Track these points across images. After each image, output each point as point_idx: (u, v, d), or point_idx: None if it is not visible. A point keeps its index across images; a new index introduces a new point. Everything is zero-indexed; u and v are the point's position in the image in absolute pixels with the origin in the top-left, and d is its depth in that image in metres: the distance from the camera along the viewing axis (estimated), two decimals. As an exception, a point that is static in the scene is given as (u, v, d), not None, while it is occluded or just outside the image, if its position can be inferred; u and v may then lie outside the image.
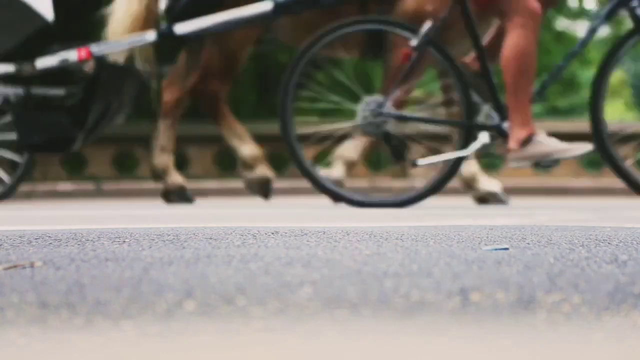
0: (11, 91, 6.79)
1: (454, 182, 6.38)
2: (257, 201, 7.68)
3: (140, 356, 1.44)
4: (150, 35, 6.60)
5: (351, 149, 7.07)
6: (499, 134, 5.81)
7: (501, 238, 2.74)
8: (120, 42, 6.72)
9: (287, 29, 6.93)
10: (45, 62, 6.60)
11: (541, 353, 1.46)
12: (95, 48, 6.55)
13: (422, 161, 5.85)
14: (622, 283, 1.92)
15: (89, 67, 6.57)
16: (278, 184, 11.67)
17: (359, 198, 6.09)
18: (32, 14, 6.67)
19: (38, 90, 6.96)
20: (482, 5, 5.86)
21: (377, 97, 5.93)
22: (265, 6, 6.40)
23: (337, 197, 6.14)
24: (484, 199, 7.08)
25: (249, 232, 2.88)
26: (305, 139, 6.58)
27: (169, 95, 7.12)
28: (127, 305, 1.75)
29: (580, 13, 19.77)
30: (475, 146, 5.77)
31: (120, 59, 6.84)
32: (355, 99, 6.02)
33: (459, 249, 2.46)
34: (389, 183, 12.62)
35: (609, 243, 2.60)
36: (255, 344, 1.51)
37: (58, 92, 6.97)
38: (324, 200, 6.56)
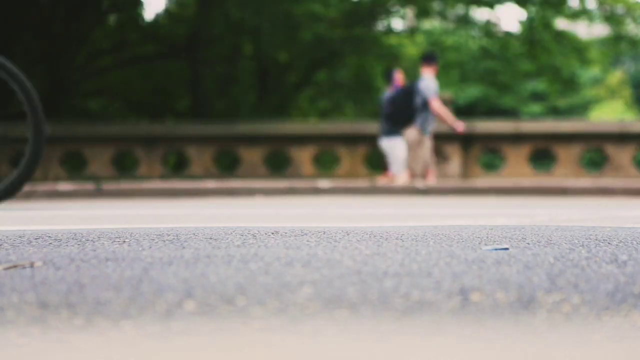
0: None
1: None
2: (257, 201, 7.67)
3: (140, 356, 1.44)
4: None
5: None
6: None
7: (501, 238, 2.74)
8: None
9: None
10: None
11: (541, 353, 1.46)
12: None
13: None
14: (622, 283, 1.93)
15: None
16: (278, 184, 11.67)
17: None
18: None
19: None
20: None
21: None
22: None
23: None
24: None
25: (249, 232, 2.88)
26: None
27: None
28: (127, 305, 1.75)
29: (580, 13, 19.76)
30: None
31: None
32: None
33: (459, 249, 2.45)
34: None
35: (609, 243, 2.60)
36: (255, 344, 1.51)
37: None
38: (324, 200, 6.55)
